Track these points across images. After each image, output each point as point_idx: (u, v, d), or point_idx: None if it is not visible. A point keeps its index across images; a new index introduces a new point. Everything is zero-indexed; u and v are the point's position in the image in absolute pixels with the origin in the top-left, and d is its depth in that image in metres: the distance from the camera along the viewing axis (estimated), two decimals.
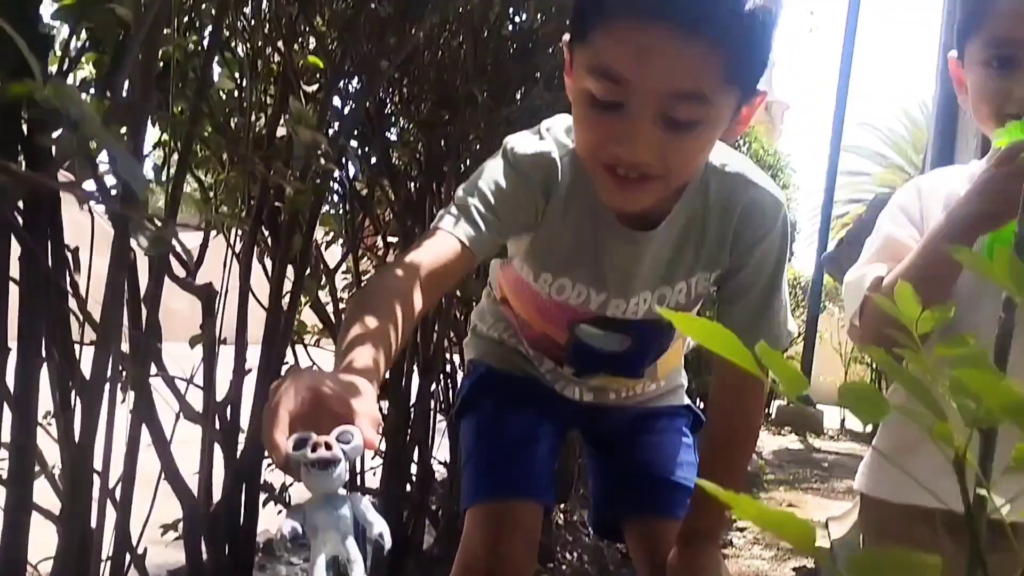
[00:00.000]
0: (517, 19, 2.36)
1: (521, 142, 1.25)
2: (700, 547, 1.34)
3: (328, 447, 0.77)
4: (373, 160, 2.32)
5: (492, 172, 1.22)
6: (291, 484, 2.13)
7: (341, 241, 2.38)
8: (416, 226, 2.29)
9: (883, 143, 23.10)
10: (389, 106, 2.32)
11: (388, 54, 1.67)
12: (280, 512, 2.24)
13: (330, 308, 2.28)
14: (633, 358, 1.44)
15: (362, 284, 2.46)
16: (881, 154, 23.11)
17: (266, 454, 0.73)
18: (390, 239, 2.56)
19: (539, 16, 2.29)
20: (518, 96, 2.36)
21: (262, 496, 1.92)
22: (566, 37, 1.17)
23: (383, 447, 2.42)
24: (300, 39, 1.79)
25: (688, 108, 1.05)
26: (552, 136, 1.26)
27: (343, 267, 2.40)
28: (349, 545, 0.77)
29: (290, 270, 1.75)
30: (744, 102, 1.13)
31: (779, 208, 1.28)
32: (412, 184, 2.38)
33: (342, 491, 0.79)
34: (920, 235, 1.25)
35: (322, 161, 1.33)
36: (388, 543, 0.79)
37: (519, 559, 1.39)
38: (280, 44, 1.66)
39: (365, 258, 2.58)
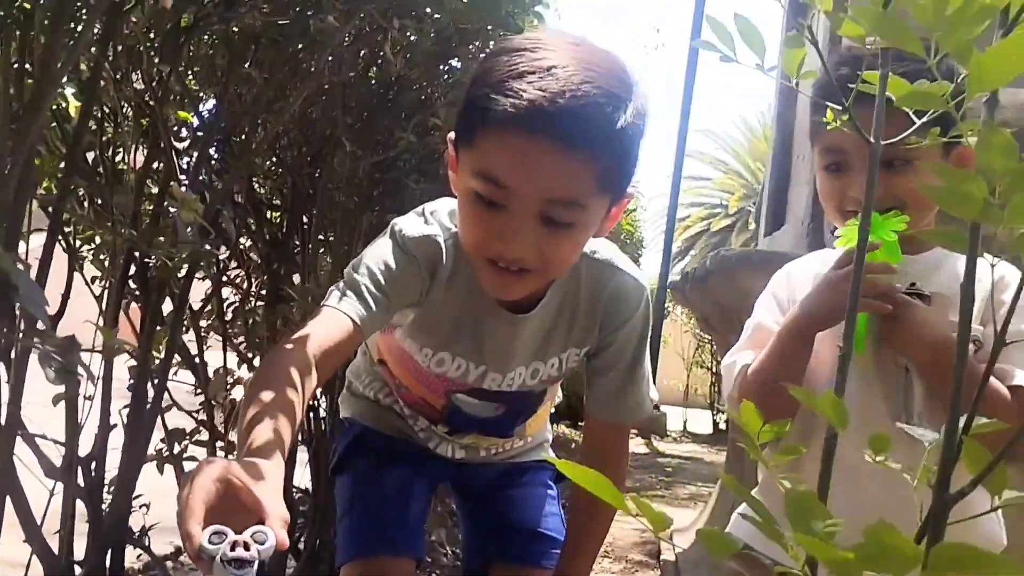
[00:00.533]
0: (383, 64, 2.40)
1: (408, 225, 1.30)
2: None
3: (247, 547, 0.79)
4: (237, 197, 2.31)
5: (380, 252, 1.27)
6: (151, 527, 2.13)
7: (202, 275, 2.37)
8: (282, 267, 2.30)
9: (723, 150, 24.18)
10: (254, 143, 2.32)
11: (261, 115, 1.68)
12: (140, 555, 2.22)
13: (194, 347, 2.27)
14: (505, 421, 1.52)
15: (224, 318, 2.45)
16: (721, 160, 24.18)
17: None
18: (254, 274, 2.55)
19: (406, 61, 2.34)
20: (386, 139, 2.40)
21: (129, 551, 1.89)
22: (451, 135, 1.23)
23: None
24: (172, 95, 1.78)
25: (565, 212, 1.14)
26: (437, 220, 1.32)
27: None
28: None
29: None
30: (614, 203, 1.22)
31: (642, 292, 1.38)
32: (277, 227, 2.38)
33: None
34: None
35: (197, 237, 1.34)
36: None
37: None
38: (150, 100, 1.65)
39: (231, 292, 2.57)
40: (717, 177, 23.93)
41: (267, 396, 1.01)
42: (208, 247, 1.43)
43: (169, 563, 3.23)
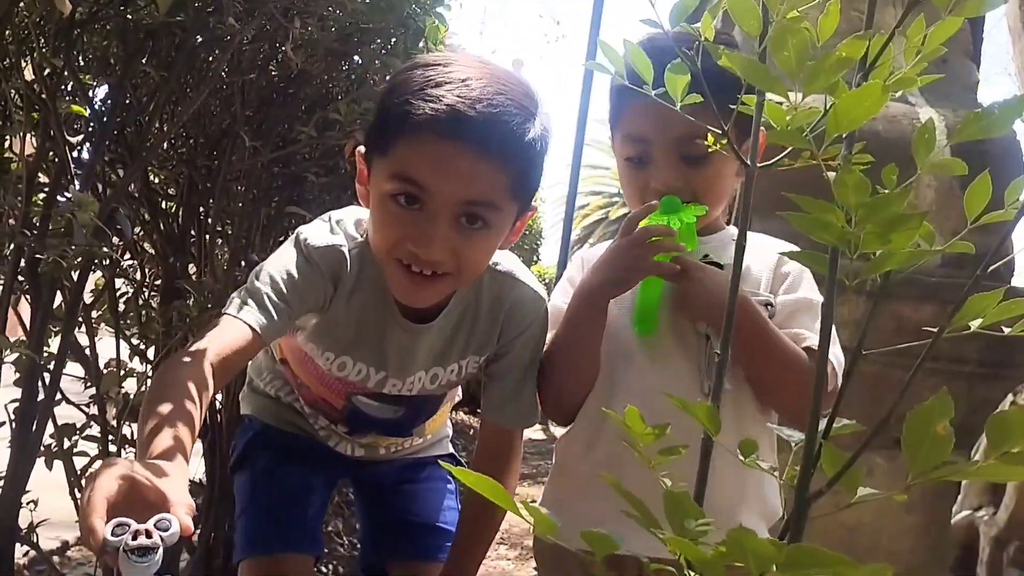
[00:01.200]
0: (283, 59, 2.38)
1: (313, 234, 1.32)
2: None
3: (148, 535, 0.81)
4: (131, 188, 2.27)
5: (284, 260, 1.29)
6: (40, 523, 2.09)
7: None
8: (178, 260, 2.27)
9: None
10: (151, 137, 2.29)
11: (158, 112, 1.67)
12: (27, 551, 2.17)
13: (84, 339, 2.22)
14: (405, 422, 1.55)
15: (117, 311, 2.40)
16: None
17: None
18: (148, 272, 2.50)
19: (307, 57, 2.33)
20: (286, 133, 2.39)
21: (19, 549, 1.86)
22: (361, 149, 1.26)
23: None
24: (64, 87, 1.74)
25: (481, 212, 1.20)
26: (343, 229, 1.34)
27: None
28: None
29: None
30: (521, 214, 1.28)
31: (541, 304, 1.43)
32: (173, 218, 2.34)
33: None
34: None
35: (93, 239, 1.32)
36: None
37: None
38: (42, 93, 1.62)
39: (123, 283, 2.51)
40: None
41: (165, 408, 1.03)
42: (104, 248, 1.41)
43: (56, 558, 3.17)
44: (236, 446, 1.67)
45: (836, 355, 1.29)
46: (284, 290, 1.25)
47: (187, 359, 1.13)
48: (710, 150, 1.07)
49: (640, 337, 1.36)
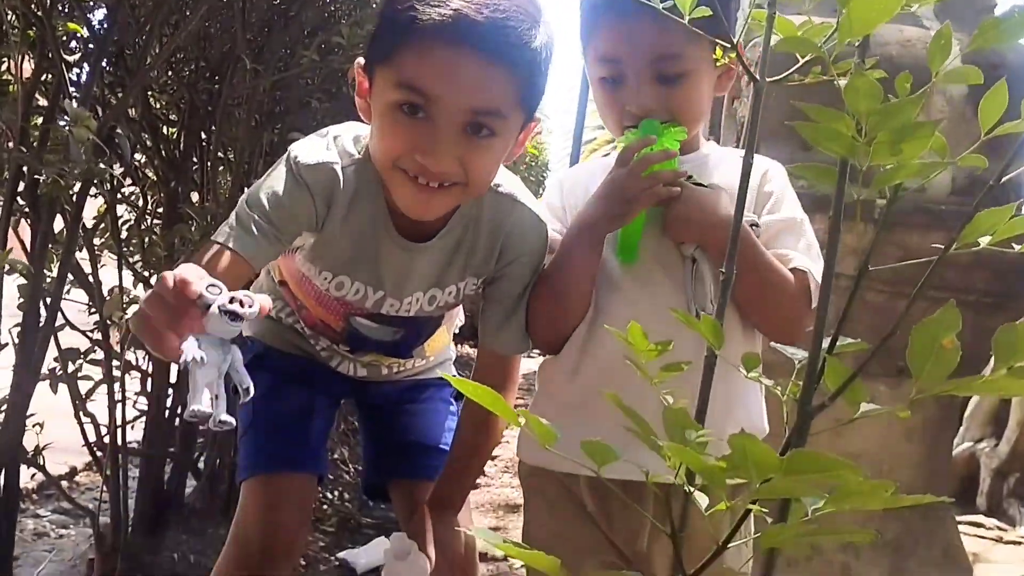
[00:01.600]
0: None
1: (305, 151, 1.29)
2: (440, 517, 1.47)
3: (242, 304, 0.87)
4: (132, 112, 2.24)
5: (274, 182, 1.26)
6: (45, 446, 2.10)
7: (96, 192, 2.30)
8: (180, 186, 2.25)
9: None
10: (149, 58, 2.25)
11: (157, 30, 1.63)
12: (34, 474, 2.19)
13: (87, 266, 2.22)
14: (404, 343, 1.54)
15: (119, 237, 2.39)
16: None
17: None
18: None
19: None
20: (288, 57, 2.35)
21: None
22: (360, 60, 1.23)
23: (145, 404, 2.41)
24: (60, 5, 1.71)
25: (489, 121, 1.18)
26: (339, 145, 1.31)
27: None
28: (224, 381, 0.88)
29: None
30: (525, 124, 1.26)
31: (542, 227, 1.40)
32: (174, 142, 2.32)
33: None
34: (564, 226, 1.41)
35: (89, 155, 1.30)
36: (251, 395, 0.91)
37: (292, 528, 1.49)
38: (37, 9, 1.59)
39: (126, 210, 2.50)
40: None
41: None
42: (102, 165, 1.39)
43: (64, 483, 3.21)
44: None
45: (816, 270, 1.28)
46: (272, 213, 1.23)
47: None
48: (718, 63, 1.05)
49: (623, 265, 1.35)
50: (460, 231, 1.37)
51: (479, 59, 1.13)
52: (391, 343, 1.52)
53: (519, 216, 1.37)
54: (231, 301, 0.87)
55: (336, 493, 3.36)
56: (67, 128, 1.26)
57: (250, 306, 0.88)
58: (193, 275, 0.88)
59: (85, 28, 1.67)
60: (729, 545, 0.63)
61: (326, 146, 1.31)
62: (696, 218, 1.29)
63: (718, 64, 1.29)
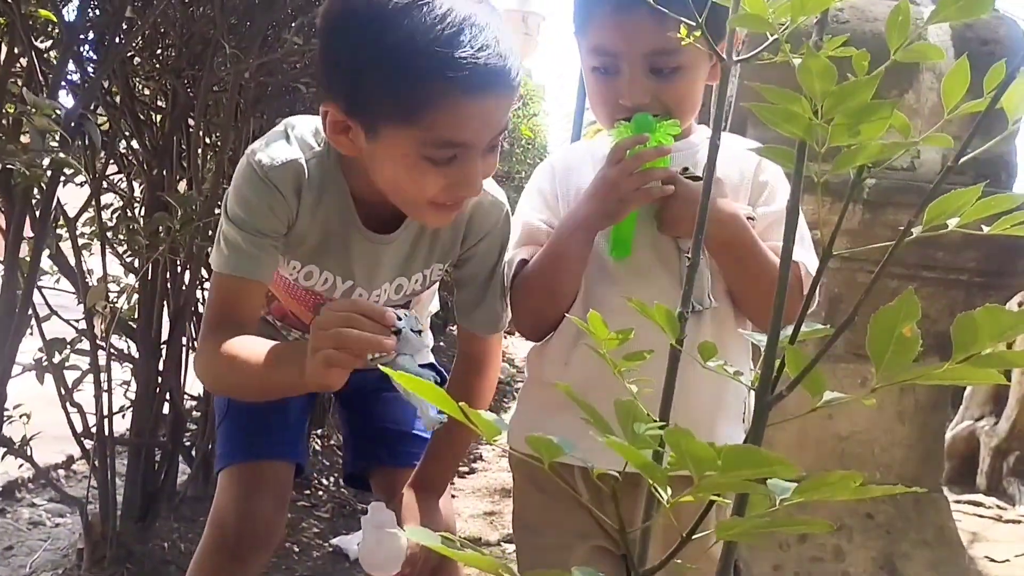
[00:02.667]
0: None
1: (267, 154, 1.28)
2: (424, 499, 1.48)
3: (417, 320, 1.12)
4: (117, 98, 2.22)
5: (245, 192, 1.28)
6: (32, 437, 2.10)
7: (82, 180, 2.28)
8: (164, 172, 2.23)
9: None
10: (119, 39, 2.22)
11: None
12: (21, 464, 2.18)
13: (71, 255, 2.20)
14: None
15: (104, 224, 2.37)
16: None
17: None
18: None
19: None
20: (271, 41, 2.33)
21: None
22: (337, 105, 1.20)
23: (134, 393, 2.40)
24: None
25: (500, 139, 1.24)
26: (298, 138, 1.31)
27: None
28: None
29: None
30: None
31: (501, 208, 1.41)
32: (158, 127, 2.30)
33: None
34: (554, 214, 1.41)
35: (56, 144, 1.28)
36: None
37: (268, 516, 1.50)
38: None
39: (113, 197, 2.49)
40: None
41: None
42: (64, 155, 1.37)
43: (62, 471, 3.21)
44: None
45: (809, 260, 1.27)
46: (257, 224, 1.27)
47: (223, 335, 1.26)
48: (683, 43, 1.02)
49: (616, 261, 1.34)
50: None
51: (500, 98, 1.18)
52: None
53: (478, 200, 1.37)
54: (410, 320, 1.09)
55: (331, 479, 3.36)
56: (23, 117, 1.24)
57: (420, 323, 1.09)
58: (376, 307, 1.08)
59: (54, 12, 1.64)
60: (694, 536, 0.62)
61: (287, 142, 1.31)
62: (692, 215, 1.27)
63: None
